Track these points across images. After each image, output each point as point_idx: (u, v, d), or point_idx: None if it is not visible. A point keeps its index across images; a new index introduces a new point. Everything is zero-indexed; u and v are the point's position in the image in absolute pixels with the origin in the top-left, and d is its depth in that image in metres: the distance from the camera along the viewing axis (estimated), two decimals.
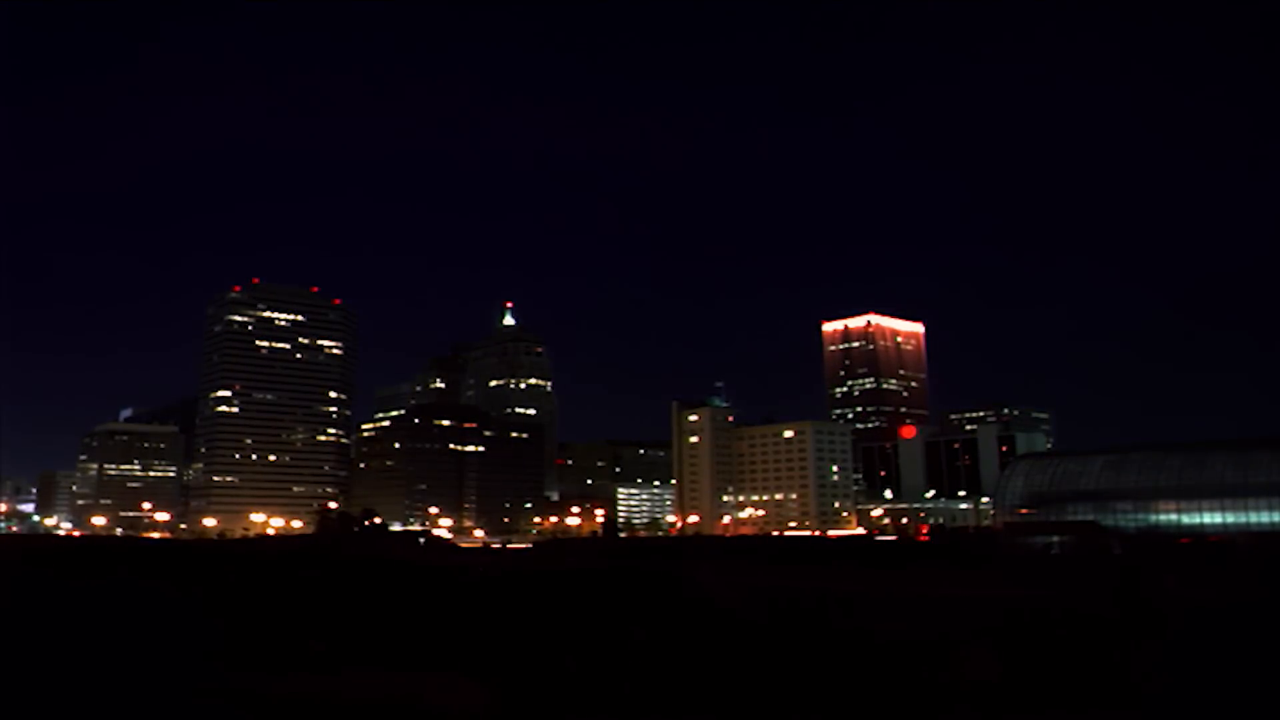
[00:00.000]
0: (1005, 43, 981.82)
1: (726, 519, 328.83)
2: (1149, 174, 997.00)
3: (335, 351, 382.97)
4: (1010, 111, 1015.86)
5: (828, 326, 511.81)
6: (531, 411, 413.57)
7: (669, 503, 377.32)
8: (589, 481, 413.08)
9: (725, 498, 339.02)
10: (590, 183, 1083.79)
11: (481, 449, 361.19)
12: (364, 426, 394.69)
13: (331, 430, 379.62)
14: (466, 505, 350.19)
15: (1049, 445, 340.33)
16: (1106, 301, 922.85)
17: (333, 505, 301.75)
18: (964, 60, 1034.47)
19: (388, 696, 29.67)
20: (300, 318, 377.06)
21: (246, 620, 44.02)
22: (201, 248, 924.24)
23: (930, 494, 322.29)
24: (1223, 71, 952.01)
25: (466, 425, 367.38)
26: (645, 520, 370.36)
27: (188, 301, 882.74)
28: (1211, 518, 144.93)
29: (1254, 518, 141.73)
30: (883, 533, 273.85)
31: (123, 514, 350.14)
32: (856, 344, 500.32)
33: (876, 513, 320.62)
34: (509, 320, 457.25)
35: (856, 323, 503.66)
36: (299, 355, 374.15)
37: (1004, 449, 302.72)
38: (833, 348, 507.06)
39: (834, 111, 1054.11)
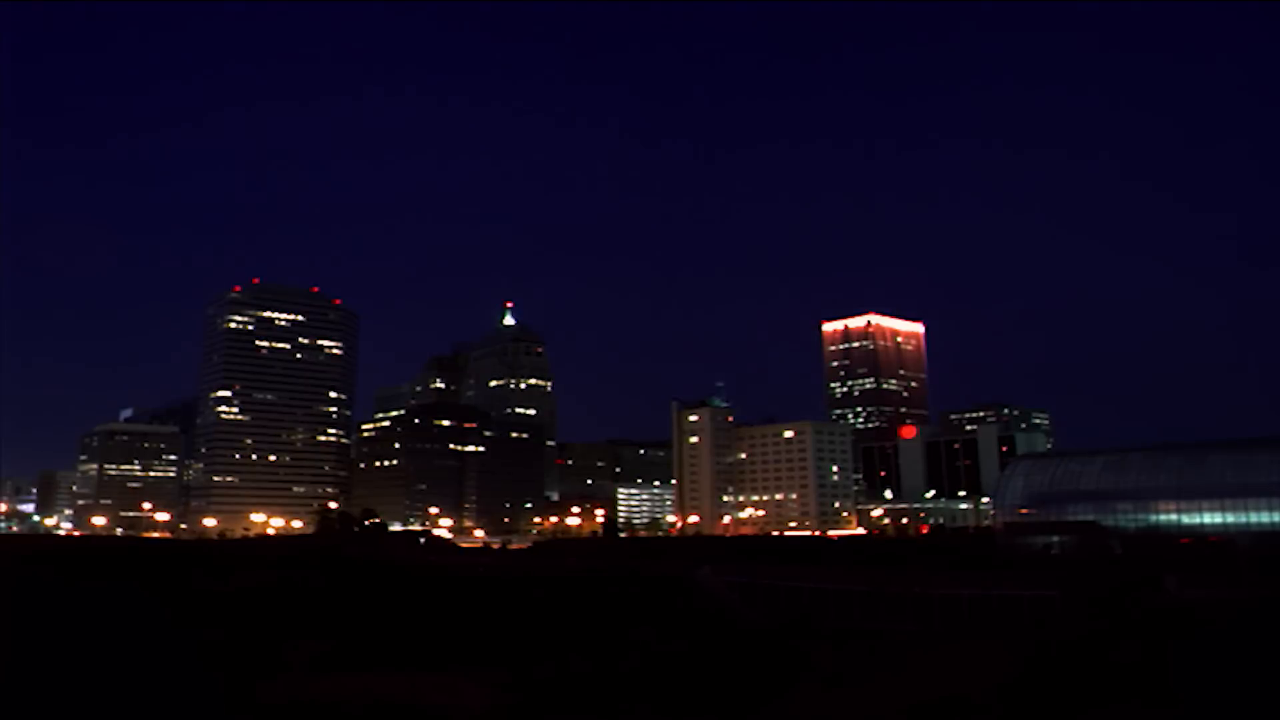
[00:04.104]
0: (1005, 41, 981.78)
1: (726, 519, 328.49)
2: (1150, 172, 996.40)
3: (335, 351, 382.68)
4: (1009, 110, 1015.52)
5: (828, 326, 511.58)
6: (531, 411, 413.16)
7: (669, 503, 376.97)
8: (589, 481, 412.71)
9: (725, 498, 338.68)
10: (591, 182, 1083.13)
11: (481, 449, 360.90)
12: (364, 426, 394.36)
13: (331, 430, 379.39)
14: (466, 505, 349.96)
15: (1049, 445, 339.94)
16: (1107, 301, 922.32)
17: (333, 505, 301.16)
18: (964, 58, 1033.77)
19: (388, 697, 29.67)
20: (300, 318, 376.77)
21: (249, 622, 44.00)
22: (201, 248, 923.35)
23: (930, 494, 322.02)
24: (1222, 55, 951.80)
25: (466, 425, 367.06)
26: (645, 520, 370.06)
27: (188, 302, 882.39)
28: (1211, 518, 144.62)
29: (1254, 518, 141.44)
30: (882, 533, 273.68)
31: (123, 514, 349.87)
32: (856, 344, 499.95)
33: (876, 513, 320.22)
34: (509, 320, 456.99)
35: (856, 323, 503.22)
36: (299, 355, 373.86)
37: (1004, 449, 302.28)
38: (833, 348, 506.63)
39: (834, 111, 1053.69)
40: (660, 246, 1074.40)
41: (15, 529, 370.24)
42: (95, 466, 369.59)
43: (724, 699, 30.80)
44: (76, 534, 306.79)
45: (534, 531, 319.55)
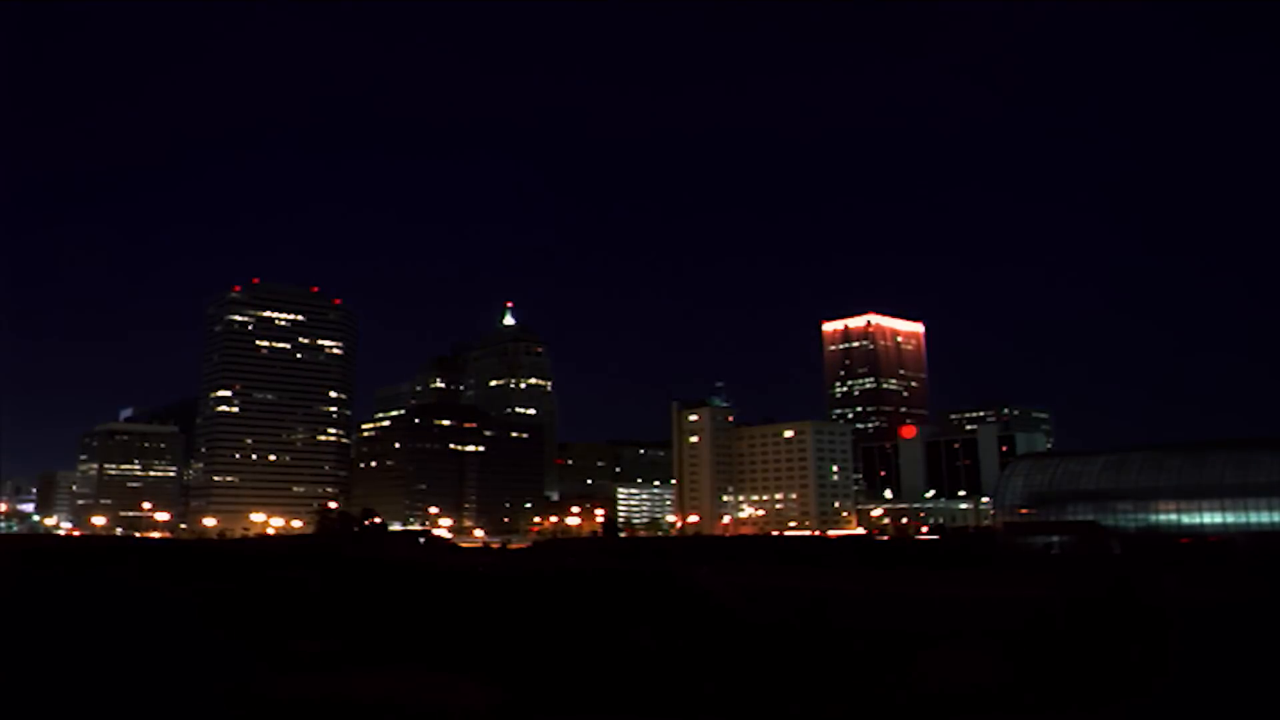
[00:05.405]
0: (1007, 38, 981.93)
1: (726, 519, 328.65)
2: (1150, 174, 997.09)
3: (335, 351, 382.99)
4: (1011, 109, 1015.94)
5: (828, 326, 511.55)
6: (531, 411, 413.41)
7: (669, 503, 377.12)
8: (589, 481, 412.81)
9: (725, 498, 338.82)
10: (591, 182, 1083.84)
11: (481, 449, 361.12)
12: (364, 426, 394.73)
13: (331, 430, 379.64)
14: (466, 505, 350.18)
15: (1049, 445, 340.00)
16: (1108, 301, 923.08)
17: (333, 505, 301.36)
18: (967, 55, 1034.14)
19: (388, 696, 29.67)
20: (300, 318, 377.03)
21: (248, 621, 44.02)
22: (201, 247, 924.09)
23: (930, 494, 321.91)
24: (1221, 61, 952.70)
25: (466, 425, 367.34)
26: (645, 520, 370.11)
27: (188, 301, 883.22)
28: (1211, 518, 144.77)
29: (1254, 518, 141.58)
30: (882, 533, 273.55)
31: (123, 514, 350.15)
32: (856, 344, 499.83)
33: (876, 513, 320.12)
34: (509, 320, 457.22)
35: (856, 323, 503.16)
36: (299, 355, 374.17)
37: (1004, 449, 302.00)
38: (833, 348, 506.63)
39: (834, 111, 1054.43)
40: (661, 246, 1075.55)
41: (15, 529, 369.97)
42: (95, 466, 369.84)
43: (724, 699, 30.82)
44: (77, 534, 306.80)
45: (534, 531, 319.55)
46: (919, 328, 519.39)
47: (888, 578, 72.67)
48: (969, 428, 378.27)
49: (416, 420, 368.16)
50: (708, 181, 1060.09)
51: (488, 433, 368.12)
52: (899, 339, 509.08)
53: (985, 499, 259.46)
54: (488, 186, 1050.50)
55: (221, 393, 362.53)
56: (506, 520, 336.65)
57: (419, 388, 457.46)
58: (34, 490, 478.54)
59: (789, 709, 30.13)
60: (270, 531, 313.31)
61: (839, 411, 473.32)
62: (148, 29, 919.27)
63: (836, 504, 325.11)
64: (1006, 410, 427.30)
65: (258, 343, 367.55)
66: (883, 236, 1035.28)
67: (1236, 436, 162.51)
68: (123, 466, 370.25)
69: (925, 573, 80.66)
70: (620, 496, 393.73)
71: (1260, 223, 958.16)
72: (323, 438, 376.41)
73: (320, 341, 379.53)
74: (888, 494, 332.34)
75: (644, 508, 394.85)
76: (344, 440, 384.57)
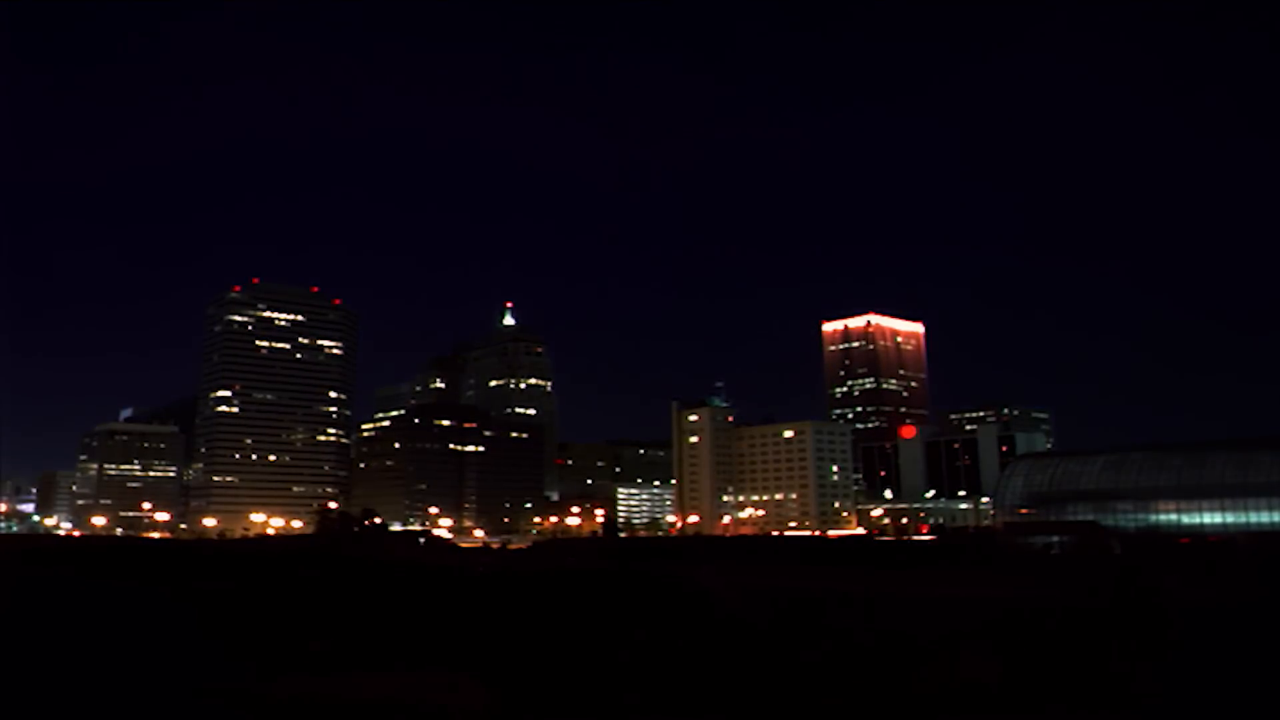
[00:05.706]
0: (1009, 41, 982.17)
1: (726, 519, 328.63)
2: (1151, 172, 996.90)
3: (335, 351, 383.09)
4: (1013, 111, 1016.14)
5: (828, 326, 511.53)
6: (531, 411, 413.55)
7: (669, 503, 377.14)
8: (589, 481, 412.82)
9: (725, 498, 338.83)
10: (591, 183, 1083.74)
11: (481, 449, 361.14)
12: (364, 426, 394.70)
13: (331, 430, 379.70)
14: (466, 505, 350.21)
15: (1049, 445, 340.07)
16: (1108, 301, 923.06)
17: (333, 505, 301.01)
18: (967, 59, 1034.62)
19: (388, 696, 29.69)
20: (300, 318, 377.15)
21: (247, 621, 44.05)
22: (202, 247, 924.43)
23: (930, 494, 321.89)
24: (1225, 70, 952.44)
25: (466, 425, 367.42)
26: (645, 520, 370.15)
27: (188, 301, 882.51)
28: (1211, 518, 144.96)
29: (1254, 518, 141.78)
30: (882, 533, 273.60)
31: (123, 514, 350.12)
32: (856, 344, 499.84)
33: (876, 513, 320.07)
34: (509, 320, 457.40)
35: (856, 323, 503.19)
36: (299, 355, 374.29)
37: (1004, 449, 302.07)
38: (833, 348, 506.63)
39: (835, 111, 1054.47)
40: (660, 246, 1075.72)
41: (15, 529, 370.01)
42: (95, 466, 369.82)
43: (722, 699, 30.84)
44: (77, 534, 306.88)
45: (534, 531, 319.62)
46: (919, 328, 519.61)
47: (888, 578, 72.66)
48: (969, 428, 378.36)
49: (416, 420, 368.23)
50: (708, 182, 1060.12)
51: (488, 433, 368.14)
52: (899, 339, 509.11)
53: (985, 499, 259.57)
54: (488, 186, 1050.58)
55: (221, 393, 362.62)
56: (506, 520, 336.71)
57: (419, 388, 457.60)
58: (34, 490, 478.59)
59: (789, 709, 30.14)
60: (270, 532, 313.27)
61: (839, 411, 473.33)
62: (153, 37, 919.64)
63: (836, 504, 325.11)
64: (1006, 410, 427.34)
65: (258, 343, 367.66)
66: (883, 236, 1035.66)
67: (1236, 436, 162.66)
68: (123, 466, 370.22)
69: (925, 573, 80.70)
70: (620, 496, 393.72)
71: (1260, 224, 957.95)
72: (322, 438, 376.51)
73: (320, 341, 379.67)
74: (888, 494, 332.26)
75: (644, 508, 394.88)
76: (344, 440, 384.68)
